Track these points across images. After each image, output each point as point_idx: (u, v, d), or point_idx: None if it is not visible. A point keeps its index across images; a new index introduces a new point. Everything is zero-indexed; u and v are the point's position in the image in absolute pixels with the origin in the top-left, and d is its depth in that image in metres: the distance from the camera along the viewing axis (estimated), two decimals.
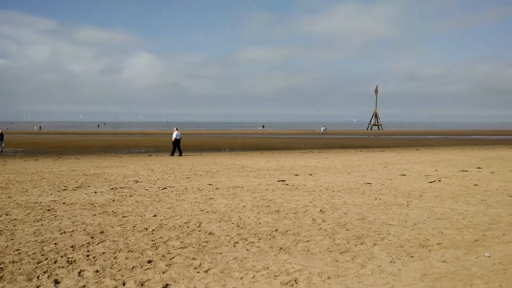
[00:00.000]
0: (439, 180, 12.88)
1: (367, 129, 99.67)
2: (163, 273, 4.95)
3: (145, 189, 11.23)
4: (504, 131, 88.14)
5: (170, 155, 24.98)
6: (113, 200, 9.63)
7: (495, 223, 7.36)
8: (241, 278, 4.81)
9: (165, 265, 5.19)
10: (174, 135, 25.02)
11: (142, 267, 5.15)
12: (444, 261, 5.37)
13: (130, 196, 10.19)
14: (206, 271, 5.00)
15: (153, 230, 6.90)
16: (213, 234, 6.66)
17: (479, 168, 16.60)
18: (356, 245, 6.09)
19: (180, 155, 24.81)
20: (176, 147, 24.99)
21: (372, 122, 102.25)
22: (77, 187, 11.58)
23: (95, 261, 5.37)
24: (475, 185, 11.90)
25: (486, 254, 5.64)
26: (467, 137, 60.30)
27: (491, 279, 4.76)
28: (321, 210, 8.45)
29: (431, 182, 12.57)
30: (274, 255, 5.62)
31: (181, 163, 19.31)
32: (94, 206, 8.89)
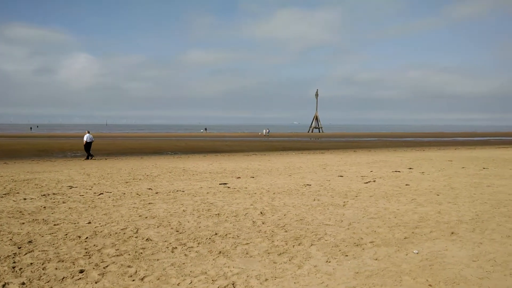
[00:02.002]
0: (374, 181, 13.47)
1: (308, 132, 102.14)
2: (96, 282, 4.75)
3: (80, 195, 10.75)
4: (433, 133, 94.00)
5: (85, 159, 24.71)
6: (44, 207, 9.12)
7: (423, 221, 7.81)
8: (178, 284, 4.73)
9: (98, 274, 4.99)
10: (85, 138, 25.00)
11: (73, 277, 4.91)
12: (376, 259, 5.61)
13: (63, 202, 9.70)
14: (142, 279, 4.87)
15: (87, 237, 6.61)
16: (151, 240, 6.50)
17: (410, 168, 17.55)
18: (294, 246, 6.20)
19: (89, 158, 24.63)
20: (87, 150, 24.99)
21: (313, 125, 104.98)
22: (5, 194, 10.84)
23: (21, 273, 5.05)
24: (406, 185, 12.56)
25: (414, 251, 5.96)
26: (401, 139, 63.58)
27: (419, 275, 5.03)
28: (261, 213, 8.53)
29: (367, 182, 13.11)
30: (213, 259, 5.58)
31: (120, 167, 18.70)
32: (22, 214, 8.37)
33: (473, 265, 5.35)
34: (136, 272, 5.09)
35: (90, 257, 5.64)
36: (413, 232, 6.99)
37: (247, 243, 6.33)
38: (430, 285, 4.72)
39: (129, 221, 7.75)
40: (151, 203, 9.63)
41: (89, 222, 7.66)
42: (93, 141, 25.43)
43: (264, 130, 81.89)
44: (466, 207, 9.09)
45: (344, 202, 9.73)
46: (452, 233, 6.93)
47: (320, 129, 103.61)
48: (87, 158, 24.60)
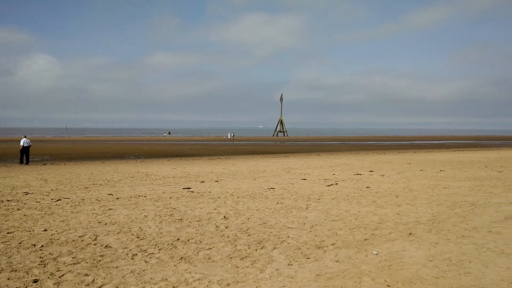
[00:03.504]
0: (336, 183, 13.70)
1: (273, 136, 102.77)
2: None
3: (36, 202, 10.33)
4: (393, 137, 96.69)
5: (19, 163, 24.51)
6: None
7: (383, 222, 8.00)
8: None
9: (54, 284, 4.80)
10: (21, 143, 24.76)
11: (26, 287, 4.70)
12: (337, 261, 5.69)
13: (18, 209, 9.30)
14: (100, 287, 4.72)
15: (42, 246, 6.36)
16: (110, 247, 6.32)
17: (371, 171, 17.98)
18: (256, 249, 6.20)
19: (27, 163, 24.29)
20: (24, 155, 24.59)
21: (277, 129, 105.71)
22: None
23: None
24: (367, 187, 12.85)
25: (374, 252, 6.09)
26: (363, 142, 65.03)
27: (378, 275, 5.14)
28: (224, 217, 8.48)
29: (329, 185, 13.31)
30: (174, 265, 5.50)
31: (80, 172, 18.15)
32: None
33: (430, 264, 5.52)
34: (93, 280, 4.94)
35: (45, 266, 5.42)
36: (373, 234, 7.14)
37: (210, 248, 6.28)
38: (388, 285, 4.83)
39: (87, 228, 7.52)
40: (111, 209, 9.38)
41: (45, 230, 7.37)
42: (30, 145, 25.23)
43: (228, 134, 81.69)
44: (424, 208, 9.38)
45: (307, 205, 9.83)
46: (410, 234, 7.13)
47: (285, 132, 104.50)
48: (21, 162, 24.24)
